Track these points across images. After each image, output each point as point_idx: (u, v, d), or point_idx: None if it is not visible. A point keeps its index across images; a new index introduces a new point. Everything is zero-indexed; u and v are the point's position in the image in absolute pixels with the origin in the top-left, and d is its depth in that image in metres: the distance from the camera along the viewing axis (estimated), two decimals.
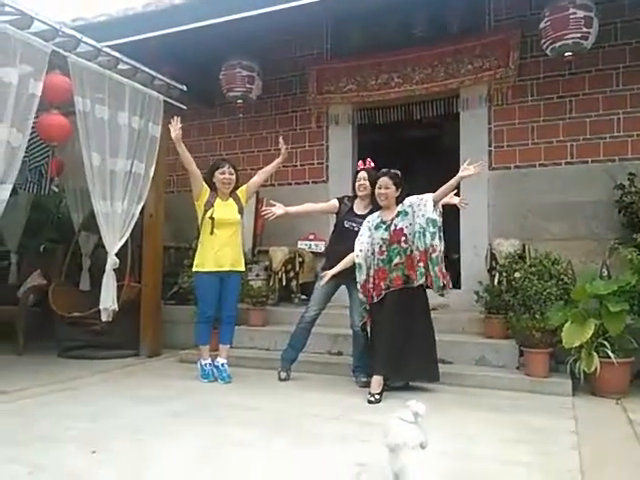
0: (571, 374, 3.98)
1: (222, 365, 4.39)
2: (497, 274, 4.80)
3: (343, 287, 4.34)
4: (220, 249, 4.32)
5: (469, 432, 3.12)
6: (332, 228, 4.59)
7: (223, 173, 4.38)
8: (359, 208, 4.33)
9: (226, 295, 4.41)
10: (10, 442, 2.92)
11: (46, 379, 4.36)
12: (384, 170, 4.05)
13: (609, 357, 3.78)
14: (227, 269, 4.35)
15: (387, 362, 3.81)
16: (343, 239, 4.23)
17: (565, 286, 4.35)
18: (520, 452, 2.82)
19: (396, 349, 3.80)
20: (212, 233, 4.31)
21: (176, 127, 4.24)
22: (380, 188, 3.97)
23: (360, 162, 4.49)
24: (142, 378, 4.60)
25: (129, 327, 5.34)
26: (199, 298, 4.50)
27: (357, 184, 4.33)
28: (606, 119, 5.22)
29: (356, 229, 4.16)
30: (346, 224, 4.29)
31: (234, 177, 4.44)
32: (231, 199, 4.46)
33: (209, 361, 4.43)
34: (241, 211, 4.49)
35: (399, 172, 4.05)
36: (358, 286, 4.02)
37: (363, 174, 4.31)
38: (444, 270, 3.87)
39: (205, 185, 4.39)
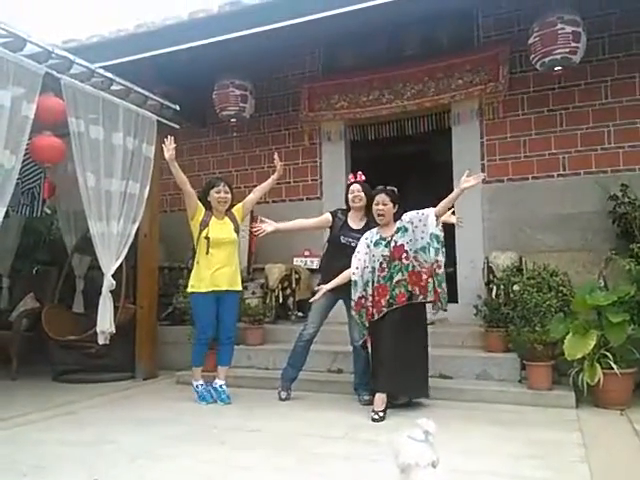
0: (574, 386, 3.96)
1: (221, 386, 4.32)
2: (495, 287, 4.80)
3: (340, 303, 4.30)
4: (217, 269, 4.26)
5: (475, 448, 3.09)
6: (325, 243, 4.56)
7: (219, 192, 4.34)
8: (354, 222, 4.32)
9: (223, 315, 4.35)
10: (8, 471, 2.83)
11: (42, 404, 4.26)
12: (380, 187, 4.05)
13: (612, 368, 3.76)
14: (224, 289, 4.29)
15: (391, 379, 3.77)
16: (340, 255, 4.19)
17: (564, 298, 4.35)
18: (529, 467, 2.78)
19: (400, 365, 3.75)
20: (208, 253, 4.25)
21: (169, 147, 4.21)
22: (377, 205, 3.96)
23: (351, 175, 4.50)
24: (140, 401, 4.51)
25: (125, 349, 5.25)
26: (196, 319, 4.43)
27: (351, 196, 4.32)
28: (597, 131, 5.29)
29: (353, 244, 4.13)
30: (343, 239, 4.26)
31: (229, 196, 4.39)
32: (227, 218, 4.41)
33: (201, 382, 4.35)
34: (237, 230, 4.46)
35: (395, 188, 4.06)
36: (352, 304, 3.99)
37: (357, 186, 4.32)
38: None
39: (200, 204, 4.35)
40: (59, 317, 5.53)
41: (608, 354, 3.84)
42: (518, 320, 4.37)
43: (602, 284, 4.51)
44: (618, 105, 5.24)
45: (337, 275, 4.10)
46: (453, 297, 5.62)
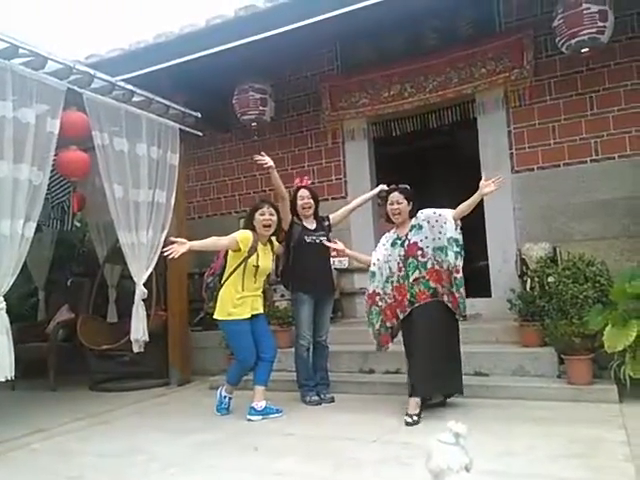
0: (616, 380, 3.80)
1: (265, 409, 4.01)
2: (529, 280, 4.64)
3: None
4: (255, 296, 4.12)
5: (513, 448, 2.98)
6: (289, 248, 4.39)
7: (263, 214, 4.04)
8: (309, 224, 4.37)
9: (263, 333, 4.14)
10: None
11: (79, 414, 4.34)
12: (393, 186, 4.03)
13: None
14: (257, 312, 4.14)
15: (425, 381, 3.67)
16: (309, 255, 4.25)
17: (602, 288, 4.17)
18: (571, 467, 2.67)
19: (432, 365, 3.65)
20: (255, 282, 4.08)
21: (180, 249, 3.75)
22: (392, 204, 3.92)
23: (297, 179, 4.50)
24: (174, 408, 4.56)
25: (158, 356, 5.32)
26: (238, 347, 4.12)
27: (301, 203, 4.31)
28: (630, 112, 5.05)
29: (317, 241, 4.27)
30: (308, 239, 4.29)
31: (275, 218, 4.07)
32: (269, 246, 4.17)
33: (230, 395, 4.23)
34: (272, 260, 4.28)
35: (408, 186, 4.01)
36: (365, 296, 4.01)
37: (306, 192, 4.34)
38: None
39: (239, 237, 4.00)
40: (93, 327, 5.64)
41: None
42: (554, 313, 4.22)
43: None
44: None
45: (313, 276, 4.23)
46: (486, 291, 5.50)
